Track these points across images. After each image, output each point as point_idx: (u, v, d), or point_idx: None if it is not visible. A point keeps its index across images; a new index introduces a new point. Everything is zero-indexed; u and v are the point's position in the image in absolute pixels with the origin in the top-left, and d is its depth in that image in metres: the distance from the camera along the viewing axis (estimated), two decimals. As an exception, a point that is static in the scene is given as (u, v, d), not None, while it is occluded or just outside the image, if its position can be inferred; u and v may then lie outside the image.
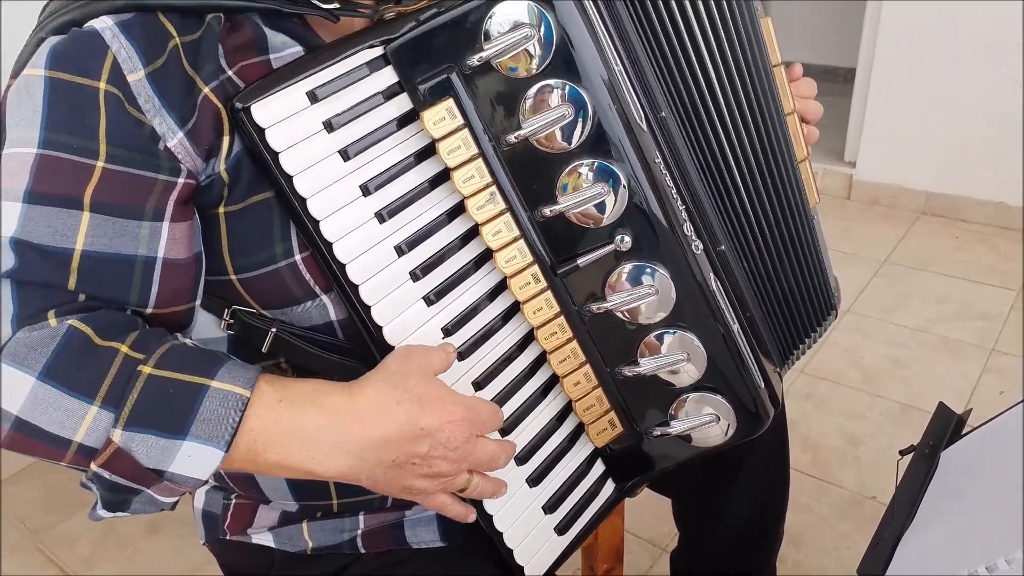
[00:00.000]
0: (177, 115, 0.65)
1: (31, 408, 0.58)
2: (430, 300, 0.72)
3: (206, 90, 0.67)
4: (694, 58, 0.80)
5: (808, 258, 0.93)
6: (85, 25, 0.64)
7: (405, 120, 0.71)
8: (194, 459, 0.60)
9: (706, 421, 0.80)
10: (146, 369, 0.60)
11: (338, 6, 0.72)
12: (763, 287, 0.88)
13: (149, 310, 0.66)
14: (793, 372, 2.15)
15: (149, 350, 0.61)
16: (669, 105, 0.78)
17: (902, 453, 0.87)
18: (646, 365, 0.78)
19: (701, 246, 0.76)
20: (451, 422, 0.66)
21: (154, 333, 0.64)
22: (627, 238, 0.73)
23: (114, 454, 0.59)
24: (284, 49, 0.72)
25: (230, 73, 0.68)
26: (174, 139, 0.65)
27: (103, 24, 0.64)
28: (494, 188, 0.72)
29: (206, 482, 0.63)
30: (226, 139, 0.67)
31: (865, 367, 2.20)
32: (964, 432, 0.87)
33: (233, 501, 0.87)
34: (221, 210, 0.69)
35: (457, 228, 0.74)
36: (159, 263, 0.66)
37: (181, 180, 0.66)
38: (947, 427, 0.88)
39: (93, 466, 0.60)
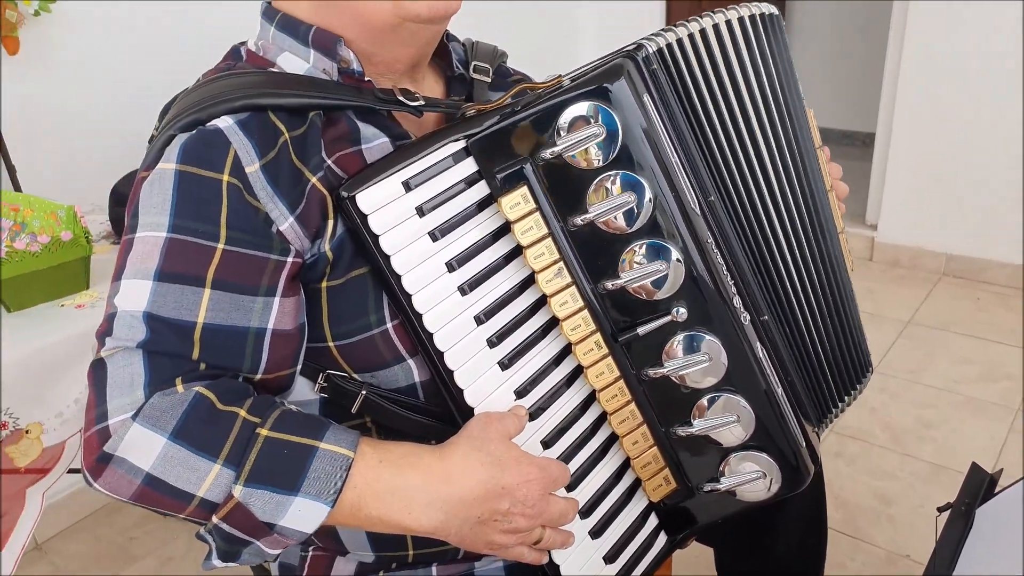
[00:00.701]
0: (288, 202, 0.73)
1: (161, 465, 0.65)
2: (504, 365, 0.79)
3: (313, 180, 0.75)
4: (748, 145, 0.88)
5: (846, 323, 0.99)
6: (208, 124, 0.73)
7: (484, 203, 0.79)
8: (303, 514, 0.66)
9: (753, 478, 0.85)
10: (263, 432, 0.67)
11: (423, 103, 0.81)
12: (802, 352, 0.94)
13: (258, 376, 0.73)
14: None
15: (264, 414, 0.68)
16: (716, 189, 0.86)
17: (940, 510, 0.91)
18: (699, 426, 0.84)
19: (749, 317, 0.83)
20: (528, 481, 0.73)
21: (266, 399, 0.71)
22: (683, 310, 0.80)
23: (234, 508, 0.65)
24: (374, 140, 0.81)
25: (329, 162, 0.77)
26: (285, 223, 0.73)
27: (225, 123, 0.73)
28: (562, 264, 0.79)
29: (310, 536, 0.69)
30: (330, 222, 0.75)
31: (893, 427, 2.22)
32: (996, 491, 0.92)
33: (311, 553, 0.93)
34: (323, 284, 0.76)
35: (528, 298, 0.81)
36: (269, 334, 0.73)
37: (290, 259, 0.74)
38: (980, 486, 0.92)
39: (214, 519, 0.66)
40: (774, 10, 0.93)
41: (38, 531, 1.85)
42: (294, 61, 0.82)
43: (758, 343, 0.84)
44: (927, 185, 3.04)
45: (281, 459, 0.66)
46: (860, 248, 3.27)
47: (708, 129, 0.85)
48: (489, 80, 0.96)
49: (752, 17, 0.89)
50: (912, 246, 3.14)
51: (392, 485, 0.69)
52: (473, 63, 0.96)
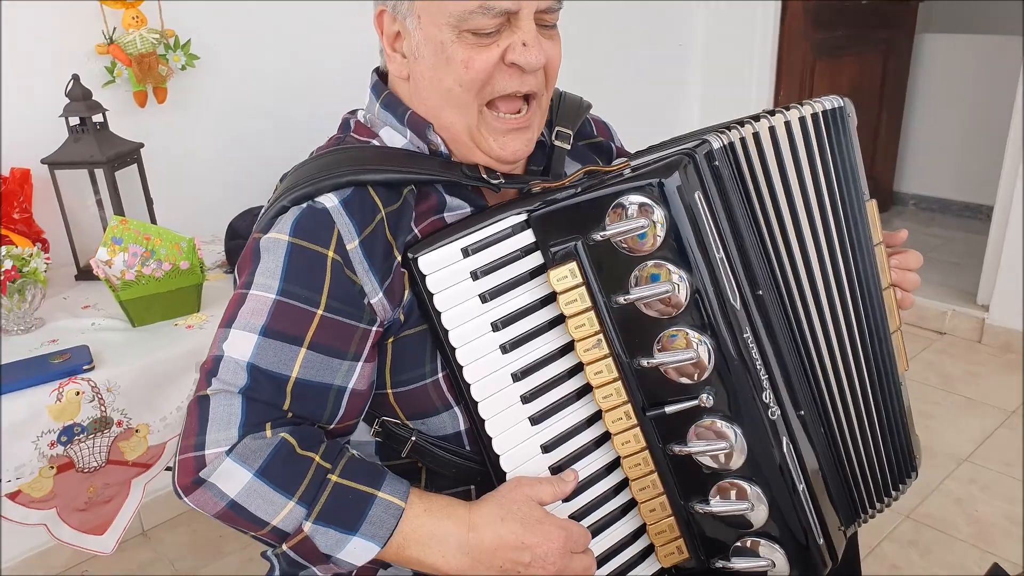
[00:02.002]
0: (379, 276, 0.82)
1: (244, 496, 0.76)
2: (535, 420, 0.85)
3: (400, 257, 0.83)
4: (802, 243, 0.88)
5: (890, 426, 0.97)
6: (317, 200, 0.82)
7: (536, 272, 0.84)
8: (357, 551, 0.78)
9: (762, 565, 0.86)
10: (333, 477, 0.78)
11: (503, 181, 0.88)
12: (838, 452, 0.93)
13: (331, 426, 0.83)
14: (896, 516, 2.09)
15: (335, 461, 0.79)
16: (770, 283, 0.87)
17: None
18: (715, 506, 0.86)
19: (778, 411, 0.84)
20: (547, 539, 0.80)
21: (336, 445, 0.81)
22: (711, 396, 0.82)
23: (302, 540, 0.77)
24: (457, 210, 0.89)
25: (416, 231, 0.85)
26: (376, 297, 0.82)
27: (331, 202, 0.82)
28: (601, 336, 0.84)
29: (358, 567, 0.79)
30: (407, 291, 0.83)
31: (979, 521, 2.10)
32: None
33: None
34: (390, 341, 0.85)
35: (566, 363, 0.86)
36: (348, 392, 0.83)
37: (375, 328, 0.83)
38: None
39: (284, 546, 0.78)
40: (840, 103, 0.93)
41: (145, 519, 2.06)
42: (394, 136, 0.91)
43: (785, 438, 0.85)
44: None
45: (346, 503, 0.77)
46: (968, 329, 3.08)
47: (764, 225, 0.87)
48: (569, 147, 1.00)
49: (816, 115, 0.90)
50: (1029, 332, 2.93)
51: (431, 532, 0.79)
52: (556, 128, 1.00)
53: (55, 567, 1.92)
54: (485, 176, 0.88)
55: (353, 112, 0.97)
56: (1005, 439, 2.45)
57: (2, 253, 1.33)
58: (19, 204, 1.57)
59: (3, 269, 1.30)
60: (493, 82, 0.84)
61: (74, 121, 1.55)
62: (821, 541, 0.87)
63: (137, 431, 1.27)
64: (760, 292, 0.85)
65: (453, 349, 0.81)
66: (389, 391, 0.86)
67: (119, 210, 1.56)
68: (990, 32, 3.97)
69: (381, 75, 0.95)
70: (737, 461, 0.84)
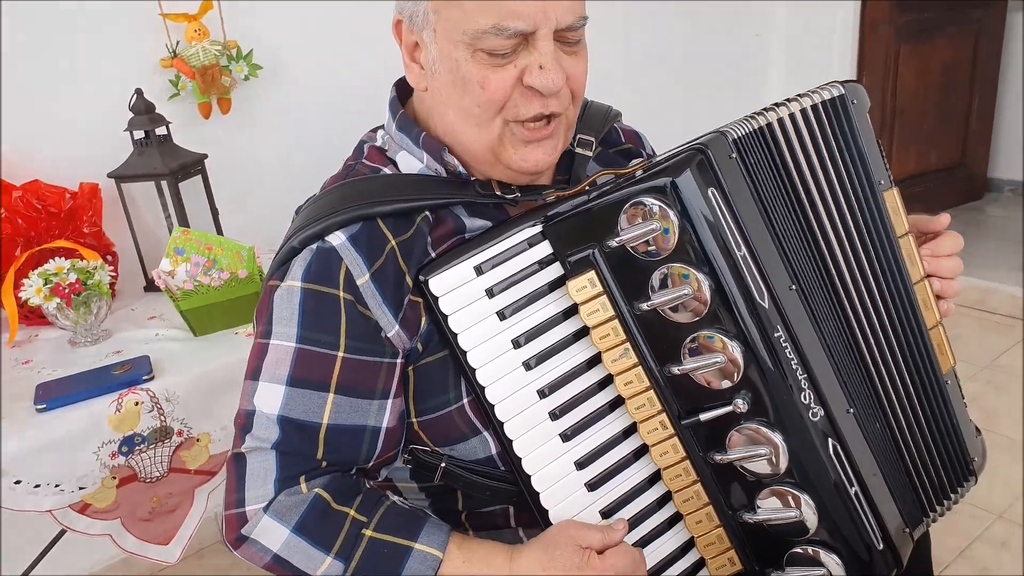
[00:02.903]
0: (393, 308, 0.80)
1: (285, 550, 0.78)
2: (566, 436, 0.81)
3: (412, 284, 0.80)
4: (824, 234, 0.82)
5: (940, 424, 0.89)
6: (326, 239, 0.80)
7: (556, 284, 0.81)
8: None
9: (819, 574, 0.81)
10: (368, 532, 0.77)
11: (519, 195, 0.86)
12: (897, 449, 0.87)
13: (369, 465, 0.82)
14: (989, 516, 1.95)
15: (371, 514, 0.78)
16: (812, 272, 0.81)
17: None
18: (763, 515, 0.81)
19: (821, 412, 0.79)
20: None
21: (373, 495, 0.80)
22: (746, 401, 0.78)
23: None
24: (478, 232, 0.85)
25: (433, 255, 0.82)
26: (392, 330, 0.80)
27: (339, 240, 0.80)
28: (628, 345, 0.80)
29: None
30: (424, 319, 0.81)
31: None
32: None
33: None
34: (410, 368, 0.83)
35: (594, 376, 0.82)
36: (383, 431, 0.82)
37: (399, 361, 0.82)
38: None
39: None
40: (840, 91, 0.84)
41: (198, 538, 2.07)
42: (410, 160, 0.88)
43: (831, 439, 0.79)
44: None
45: (382, 557, 0.77)
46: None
47: (800, 214, 0.82)
48: (591, 154, 0.97)
49: (808, 109, 0.82)
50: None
51: None
52: (578, 136, 0.97)
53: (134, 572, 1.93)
54: (499, 192, 0.85)
55: (374, 131, 0.95)
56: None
57: (66, 267, 1.36)
58: (88, 218, 1.60)
59: (68, 282, 1.34)
60: (514, 104, 0.80)
61: (139, 135, 1.60)
62: (881, 546, 0.81)
63: (198, 440, 1.29)
64: (794, 286, 0.80)
65: (473, 370, 0.79)
66: (414, 419, 0.84)
67: (184, 221, 1.59)
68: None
69: (400, 89, 0.93)
70: (781, 466, 0.79)
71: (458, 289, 0.78)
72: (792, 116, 0.81)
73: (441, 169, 0.87)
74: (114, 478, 1.23)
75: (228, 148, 1.87)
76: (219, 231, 1.70)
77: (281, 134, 2.00)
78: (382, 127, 0.94)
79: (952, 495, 0.90)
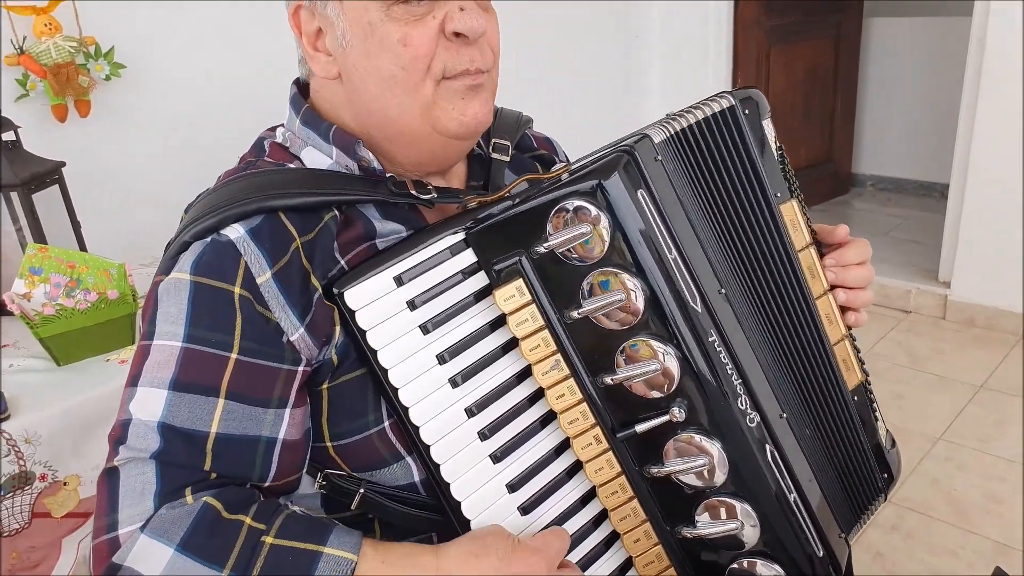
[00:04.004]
0: (298, 311, 0.71)
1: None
2: (496, 457, 0.75)
3: (320, 288, 0.72)
4: (738, 243, 0.80)
5: (849, 438, 0.87)
6: (222, 232, 0.72)
7: (482, 294, 0.75)
8: None
9: (762, 588, 0.77)
10: (268, 539, 0.64)
11: (436, 195, 0.79)
12: (826, 453, 0.85)
13: (267, 484, 0.71)
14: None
15: (270, 521, 0.66)
16: (738, 275, 0.78)
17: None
18: (703, 529, 0.77)
19: (757, 417, 0.76)
20: (528, 565, 0.69)
21: (270, 504, 0.69)
22: (683, 409, 0.74)
23: None
24: (391, 236, 0.78)
25: (342, 262, 0.75)
26: (296, 334, 0.71)
27: (237, 234, 0.71)
28: (559, 356, 0.75)
29: None
30: (337, 328, 0.72)
31: (957, 500, 2.04)
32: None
33: None
34: (325, 386, 0.74)
35: (524, 390, 0.76)
36: (279, 444, 0.71)
37: (301, 368, 0.72)
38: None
39: None
40: (730, 103, 0.80)
41: None
42: (317, 156, 0.81)
43: (768, 445, 0.77)
44: (1005, 241, 2.82)
45: (286, 566, 0.64)
46: (932, 306, 3.06)
47: (724, 216, 0.79)
48: (508, 159, 0.93)
49: (707, 119, 0.79)
50: (988, 306, 2.92)
51: None
52: (493, 140, 0.93)
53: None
54: (414, 192, 0.78)
55: (273, 130, 0.86)
56: (975, 415, 2.42)
57: None
58: None
59: None
60: (440, 61, 0.75)
61: None
62: (821, 553, 0.78)
63: (65, 484, 1.13)
64: (723, 290, 0.77)
65: (395, 389, 0.71)
66: (328, 444, 0.75)
67: (40, 237, 1.41)
68: (937, 15, 4.02)
69: (301, 87, 0.85)
70: (720, 476, 0.75)
71: (377, 302, 0.70)
72: (697, 124, 0.77)
73: (353, 165, 0.80)
74: (-35, 536, 1.06)
75: (89, 154, 1.70)
76: (82, 247, 1.53)
77: (150, 139, 1.83)
78: (281, 125, 0.86)
79: (871, 505, 0.89)
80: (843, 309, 0.88)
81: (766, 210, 0.81)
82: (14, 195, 1.40)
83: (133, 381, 0.70)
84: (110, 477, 0.67)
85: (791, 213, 0.83)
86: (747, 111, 0.81)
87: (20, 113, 1.53)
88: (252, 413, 0.70)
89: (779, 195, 0.83)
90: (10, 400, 1.11)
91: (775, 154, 0.84)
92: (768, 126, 0.84)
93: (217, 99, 1.93)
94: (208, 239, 0.72)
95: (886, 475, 0.91)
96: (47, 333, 1.20)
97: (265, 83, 1.96)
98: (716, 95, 0.82)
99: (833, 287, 0.87)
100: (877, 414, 0.92)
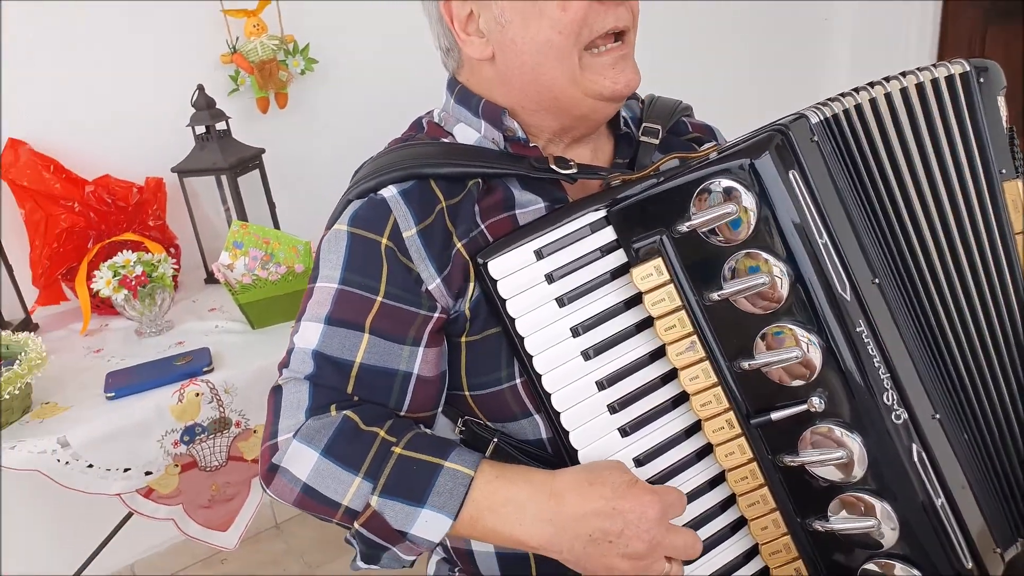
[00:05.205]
0: (437, 265, 0.78)
1: (314, 477, 0.73)
2: (625, 431, 0.75)
3: (459, 245, 0.79)
4: (919, 225, 0.75)
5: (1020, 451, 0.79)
6: (378, 192, 0.80)
7: (619, 272, 0.76)
8: (429, 524, 0.71)
9: (897, 593, 0.73)
10: (397, 450, 0.73)
11: (576, 171, 0.81)
12: (989, 463, 0.78)
13: (401, 413, 0.79)
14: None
15: (400, 435, 0.74)
16: (889, 270, 0.74)
17: None
18: (836, 523, 0.74)
19: (904, 415, 0.71)
20: (640, 503, 0.69)
21: (404, 422, 0.77)
22: (822, 400, 0.71)
23: (371, 516, 0.72)
24: (529, 206, 0.82)
25: (483, 227, 0.80)
26: (433, 283, 0.78)
27: (390, 193, 0.80)
28: (695, 338, 0.74)
29: (439, 544, 0.73)
30: (471, 284, 0.78)
31: None
32: None
33: (456, 573, 0.96)
34: (463, 339, 0.80)
35: (658, 369, 0.76)
36: (414, 378, 0.79)
37: (436, 315, 0.79)
38: None
39: (356, 525, 0.73)
40: (964, 68, 0.77)
41: (278, 513, 2.07)
42: (467, 131, 0.87)
43: (915, 445, 0.72)
44: None
45: (411, 475, 0.72)
46: None
47: (877, 206, 0.74)
48: (657, 142, 0.92)
49: (935, 81, 0.76)
50: None
51: (505, 497, 0.71)
52: (644, 124, 0.93)
53: (197, 555, 1.96)
54: (555, 167, 0.81)
55: (429, 112, 0.93)
56: None
57: (133, 260, 1.38)
58: (153, 212, 1.62)
59: (135, 275, 1.36)
60: (588, 25, 0.78)
61: (200, 130, 1.60)
62: (969, 564, 0.73)
63: (255, 431, 1.28)
64: (877, 280, 0.73)
65: (530, 356, 0.73)
66: (467, 393, 0.81)
67: (242, 215, 1.59)
68: None
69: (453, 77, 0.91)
70: (857, 472, 0.71)
71: (517, 273, 0.73)
72: (889, 95, 0.74)
73: (499, 137, 0.85)
74: (177, 465, 1.24)
75: (285, 142, 1.86)
76: (276, 225, 1.69)
77: (336, 128, 1.98)
78: (435, 110, 0.93)
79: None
80: None
81: (985, 186, 0.76)
82: (223, 178, 1.59)
83: (299, 317, 0.81)
84: (276, 394, 0.78)
85: (1015, 192, 0.77)
86: (982, 80, 0.77)
87: (231, 105, 1.71)
88: (391, 349, 0.77)
89: (1004, 172, 0.77)
90: (214, 356, 1.28)
91: (1005, 132, 0.78)
92: (1002, 103, 0.79)
93: (395, 91, 2.05)
94: (367, 197, 0.80)
95: None
96: (245, 300, 1.36)
97: (441, 76, 2.06)
98: (946, 61, 0.78)
99: None
100: None
